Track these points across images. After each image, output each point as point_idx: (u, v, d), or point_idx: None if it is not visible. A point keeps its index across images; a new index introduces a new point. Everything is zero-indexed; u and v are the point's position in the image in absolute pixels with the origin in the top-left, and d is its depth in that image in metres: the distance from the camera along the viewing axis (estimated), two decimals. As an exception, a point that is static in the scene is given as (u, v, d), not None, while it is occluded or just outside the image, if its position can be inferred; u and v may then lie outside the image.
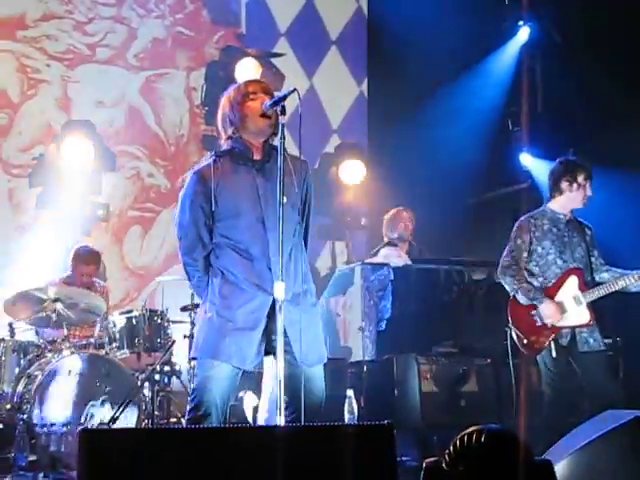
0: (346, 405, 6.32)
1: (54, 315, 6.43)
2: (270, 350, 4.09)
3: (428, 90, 9.43)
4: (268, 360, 4.21)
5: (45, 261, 8.64)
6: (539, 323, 5.65)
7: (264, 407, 5.09)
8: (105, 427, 5.75)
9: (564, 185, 5.77)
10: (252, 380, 5.96)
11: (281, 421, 3.74)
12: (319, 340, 4.26)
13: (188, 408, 4.17)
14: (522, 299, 5.71)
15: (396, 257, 7.78)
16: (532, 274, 5.74)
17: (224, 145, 4.34)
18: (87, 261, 7.42)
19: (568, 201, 5.79)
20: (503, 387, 6.72)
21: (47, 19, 9.15)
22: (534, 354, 5.68)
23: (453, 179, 9.18)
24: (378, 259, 7.92)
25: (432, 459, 2.87)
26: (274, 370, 4.02)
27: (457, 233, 9.09)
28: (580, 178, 5.73)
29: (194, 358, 4.27)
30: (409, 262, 7.71)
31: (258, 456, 2.82)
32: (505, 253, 5.84)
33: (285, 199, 3.97)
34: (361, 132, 10.41)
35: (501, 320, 5.94)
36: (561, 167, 5.85)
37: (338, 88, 10.44)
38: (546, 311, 5.60)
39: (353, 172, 9.57)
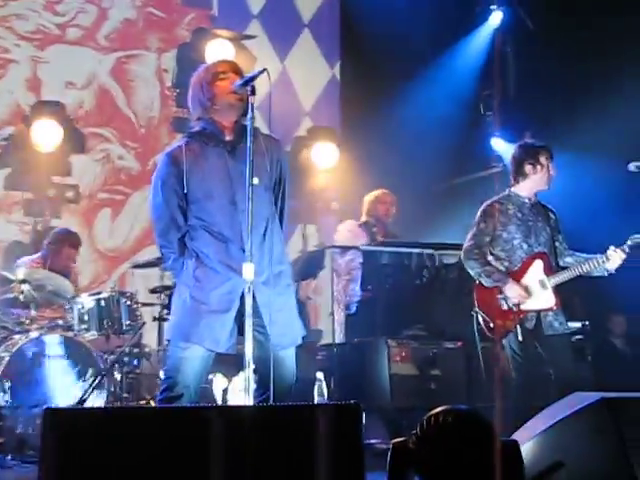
0: (316, 388, 6.34)
1: (21, 296, 6.38)
2: (242, 332, 4.06)
3: (401, 74, 9.42)
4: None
5: (14, 243, 8.59)
6: (504, 307, 5.66)
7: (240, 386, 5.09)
8: (72, 408, 5.71)
9: (527, 168, 5.77)
10: (222, 362, 5.94)
11: (250, 402, 3.74)
12: (293, 322, 4.25)
13: (160, 389, 4.17)
14: (486, 282, 5.72)
15: (354, 236, 7.80)
16: (498, 258, 5.75)
17: (195, 126, 4.31)
18: (74, 243, 7.43)
19: (533, 184, 5.79)
20: (473, 370, 6.76)
21: (17, -2, 9.06)
22: (500, 338, 5.70)
23: (425, 163, 9.19)
24: (340, 234, 7.93)
25: (399, 439, 2.87)
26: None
27: (429, 217, 9.12)
28: (542, 159, 5.75)
29: (168, 340, 4.27)
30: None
31: (226, 435, 2.81)
32: (468, 237, 5.84)
33: (257, 180, 3.96)
34: (333, 115, 10.38)
35: (471, 303, 5.95)
36: (522, 151, 5.85)
37: (310, 71, 10.40)
38: (510, 292, 5.61)
39: (325, 155, 9.54)
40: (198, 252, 4.15)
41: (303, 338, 4.35)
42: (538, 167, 5.74)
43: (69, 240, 7.41)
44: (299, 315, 4.37)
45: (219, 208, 4.13)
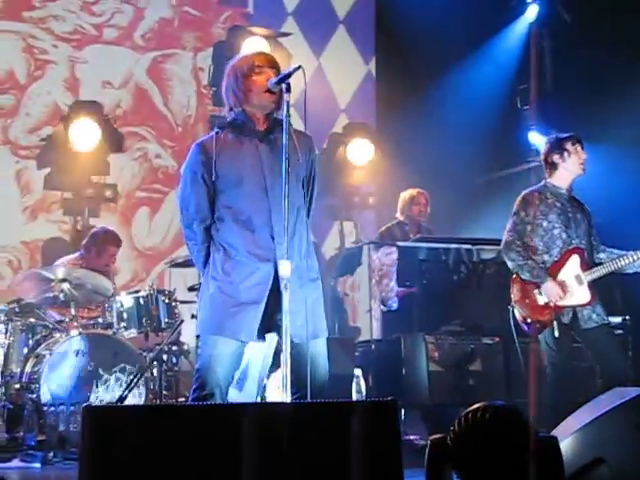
0: (354, 384, 6.34)
1: (61, 295, 6.44)
2: (273, 328, 4.04)
3: (436, 69, 9.39)
4: (268, 338, 4.16)
5: (53, 242, 8.67)
6: (541, 302, 5.62)
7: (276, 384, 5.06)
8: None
9: (555, 158, 5.75)
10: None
11: (287, 399, 3.72)
12: (319, 315, 4.18)
13: (192, 388, 4.15)
14: (525, 275, 5.67)
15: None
16: (536, 250, 5.70)
17: (227, 116, 4.31)
18: (117, 243, 7.48)
19: (566, 172, 5.75)
20: (511, 366, 6.72)
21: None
22: (537, 332, 5.66)
23: (462, 158, 9.15)
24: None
25: (437, 436, 2.87)
26: (260, 345, 4.01)
27: (466, 212, 9.07)
28: (567, 145, 5.71)
29: (198, 335, 4.23)
30: None
31: (262, 432, 2.82)
32: (508, 228, 5.79)
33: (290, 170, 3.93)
34: (369, 111, 10.37)
35: (509, 299, 5.91)
36: (547, 145, 5.86)
37: (346, 68, 10.39)
38: (549, 291, 5.57)
39: (361, 152, 9.55)
40: (225, 245, 4.11)
41: (339, 334, 4.33)
42: (565, 154, 5.71)
43: (110, 240, 7.45)
44: (336, 311, 4.35)
45: (249, 195, 4.09)
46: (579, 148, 5.73)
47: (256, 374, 4.05)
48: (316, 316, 4.16)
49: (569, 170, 5.74)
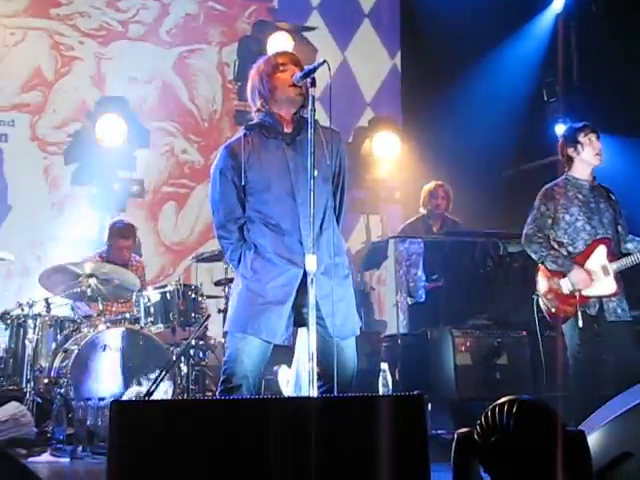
0: (380, 379, 6.34)
1: (89, 290, 6.49)
2: (302, 322, 4.08)
3: (462, 62, 9.35)
4: (302, 332, 4.20)
5: (81, 237, 8.73)
6: (566, 292, 5.59)
7: (292, 379, 5.10)
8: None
9: (570, 151, 5.74)
10: (286, 354, 5.97)
11: (313, 394, 3.74)
12: (352, 312, 4.24)
13: (220, 380, 4.18)
14: (550, 266, 5.65)
15: None
16: (561, 244, 5.68)
17: (254, 118, 4.32)
18: (125, 235, 7.46)
19: (582, 163, 5.73)
20: (538, 360, 6.69)
21: (80, -4, 9.19)
22: (561, 323, 5.64)
23: (488, 151, 9.12)
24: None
25: (464, 430, 2.86)
26: (304, 343, 4.03)
27: (492, 205, 9.04)
28: (580, 137, 5.70)
29: (226, 331, 4.29)
30: None
31: (290, 426, 2.82)
32: (529, 221, 5.78)
33: (316, 172, 3.94)
34: (395, 105, 10.34)
35: (535, 291, 5.89)
36: (562, 138, 5.90)
37: (371, 61, 10.37)
38: (575, 278, 5.53)
39: (387, 146, 9.54)
40: (256, 244, 4.16)
41: (366, 329, 4.35)
42: (579, 146, 5.70)
43: (119, 232, 7.46)
44: (362, 306, 4.38)
45: (277, 200, 4.13)
46: (593, 138, 5.70)
47: (305, 372, 4.06)
48: (352, 313, 4.24)
49: (585, 162, 5.73)
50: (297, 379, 4.32)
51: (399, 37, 10.51)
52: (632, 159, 6.37)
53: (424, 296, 7.59)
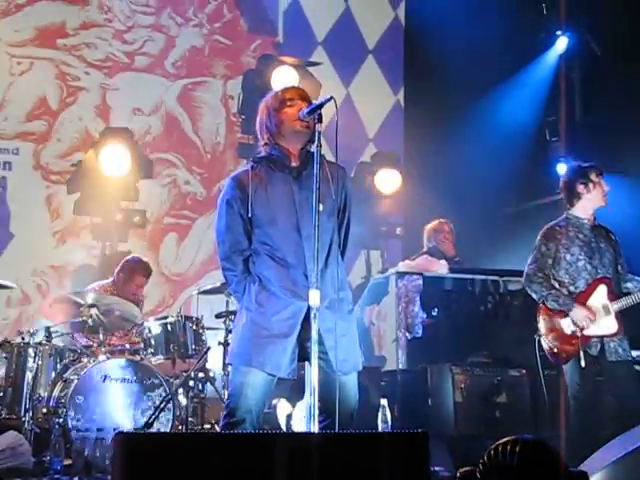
0: (380, 414, 6.31)
1: (90, 320, 6.47)
2: (306, 356, 4.06)
3: (464, 100, 9.41)
4: (307, 368, 4.19)
5: (82, 266, 8.74)
6: (568, 331, 5.59)
7: (302, 416, 5.08)
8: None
9: (580, 188, 5.75)
10: (285, 387, 5.97)
11: (314, 428, 3.73)
12: (355, 347, 4.25)
13: (223, 414, 4.17)
14: (551, 305, 5.65)
15: (435, 265, 7.75)
16: (562, 283, 5.69)
17: (262, 152, 4.35)
18: (146, 273, 7.50)
19: (589, 203, 5.75)
20: (538, 398, 6.68)
21: (87, 27, 9.26)
22: (562, 363, 5.63)
23: (490, 189, 9.15)
24: (414, 265, 7.90)
25: (466, 469, 2.85)
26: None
27: (493, 243, 9.05)
28: (592, 176, 5.72)
29: (230, 364, 4.28)
30: (446, 271, 7.68)
31: (292, 462, 2.82)
32: (529, 262, 5.80)
33: (321, 207, 3.96)
34: (397, 141, 10.39)
35: (536, 331, 5.89)
36: (571, 173, 5.90)
37: (374, 97, 10.43)
38: (578, 315, 5.54)
39: (389, 181, 9.58)
40: (261, 276, 4.16)
41: (365, 364, 4.35)
42: (590, 185, 5.72)
43: (141, 269, 7.49)
44: (362, 341, 4.38)
45: (283, 234, 4.15)
46: (602, 181, 5.74)
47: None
48: (355, 349, 4.23)
49: (592, 201, 5.75)
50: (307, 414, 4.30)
51: (402, 73, 10.58)
52: (634, 198, 6.39)
53: (421, 331, 7.58)
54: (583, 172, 5.78)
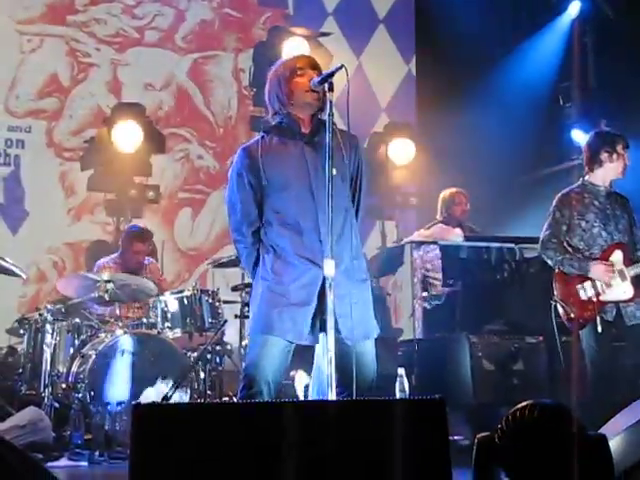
0: (397, 384, 6.32)
1: (106, 295, 6.48)
2: (323, 327, 4.05)
3: (477, 68, 9.35)
4: (320, 337, 4.17)
5: (97, 243, 8.76)
6: (584, 297, 5.57)
7: (313, 386, 5.08)
8: (158, 405, 5.78)
9: (604, 156, 5.70)
10: (303, 358, 5.97)
11: (332, 398, 3.72)
12: (368, 315, 4.19)
13: (240, 386, 4.14)
14: (568, 270, 5.63)
15: (450, 233, 7.72)
16: (577, 249, 5.66)
17: (271, 120, 4.32)
18: (142, 238, 7.46)
19: (608, 172, 5.71)
20: (555, 365, 6.67)
21: (96, 3, 9.26)
22: (579, 328, 5.61)
23: (504, 156, 9.11)
24: (429, 234, 7.88)
25: (484, 434, 2.86)
26: (323, 347, 4.00)
27: (509, 211, 9.03)
28: (619, 147, 5.67)
29: (247, 335, 4.27)
30: (461, 239, 7.65)
31: (308, 430, 2.82)
32: (544, 228, 5.77)
33: (335, 171, 3.93)
34: (410, 111, 10.36)
35: (553, 298, 5.88)
36: (598, 139, 5.78)
37: (386, 67, 10.39)
38: (597, 272, 5.50)
39: (402, 151, 9.53)
40: (274, 246, 4.12)
41: (382, 334, 4.33)
42: (614, 155, 5.67)
43: (137, 236, 7.47)
44: (378, 311, 4.34)
45: (296, 198, 4.11)
46: (626, 154, 5.70)
47: (323, 376, 4.03)
48: (368, 317, 4.18)
49: (612, 171, 5.71)
50: (317, 386, 4.29)
51: (414, 43, 10.53)
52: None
53: (442, 299, 7.55)
54: (611, 140, 5.71)
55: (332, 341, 3.76)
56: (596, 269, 5.52)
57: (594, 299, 5.53)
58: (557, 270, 5.72)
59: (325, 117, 3.97)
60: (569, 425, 2.75)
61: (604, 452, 2.88)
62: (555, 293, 5.75)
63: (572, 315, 5.61)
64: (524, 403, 2.81)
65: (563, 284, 5.70)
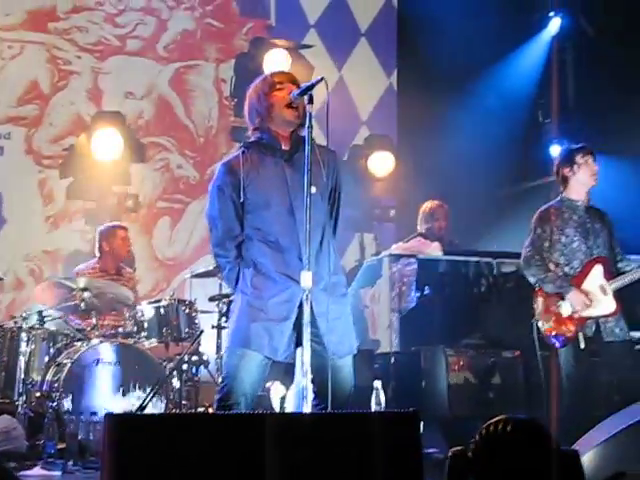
0: (373, 397, 6.32)
1: (82, 304, 6.47)
2: (301, 341, 4.05)
3: (457, 82, 9.39)
4: (298, 351, 4.19)
5: (75, 251, 8.73)
6: (565, 314, 5.60)
7: (292, 399, 5.09)
8: (133, 415, 5.76)
9: (565, 171, 5.80)
10: (279, 370, 5.97)
11: (308, 410, 3.73)
12: (349, 331, 4.23)
13: (217, 397, 4.15)
14: (548, 288, 5.66)
15: (428, 247, 7.74)
16: (557, 264, 5.70)
17: (251, 136, 4.32)
18: (121, 227, 7.50)
19: (578, 184, 5.78)
20: (531, 379, 6.69)
21: (78, 11, 9.22)
22: (561, 345, 5.64)
23: (483, 171, 9.14)
24: (408, 247, 7.89)
25: (458, 448, 2.86)
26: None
27: (486, 225, 9.06)
28: (577, 158, 5.74)
29: (226, 347, 4.27)
30: (440, 253, 7.67)
31: (283, 442, 2.82)
32: (526, 244, 5.81)
33: (314, 189, 3.95)
34: (390, 124, 10.36)
35: (530, 312, 5.90)
36: (558, 158, 5.96)
37: (367, 80, 10.39)
38: (574, 300, 5.55)
39: (382, 164, 9.55)
40: (255, 262, 4.14)
41: (359, 347, 4.35)
42: (575, 167, 5.75)
43: (115, 227, 7.53)
44: (355, 324, 4.37)
45: (276, 216, 4.13)
46: (590, 160, 5.74)
47: (299, 388, 4.04)
48: (350, 331, 4.22)
49: (580, 182, 5.77)
50: (297, 399, 4.31)
51: (395, 56, 10.54)
52: (625, 179, 6.39)
53: (409, 315, 7.55)
54: (567, 155, 5.84)
55: (308, 353, 3.77)
56: (574, 296, 5.56)
57: (576, 315, 5.57)
58: (537, 287, 5.76)
59: (304, 133, 3.98)
60: (542, 440, 2.76)
61: (576, 468, 2.89)
62: (535, 310, 5.77)
63: (553, 332, 5.64)
64: (497, 418, 2.81)
65: (543, 301, 5.73)
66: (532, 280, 5.79)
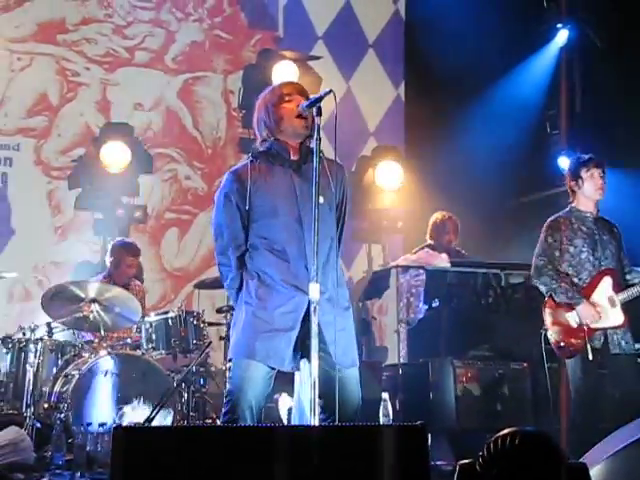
0: (381, 408, 6.31)
1: (91, 316, 6.46)
2: (304, 353, 4.05)
3: (465, 93, 9.39)
4: (301, 364, 4.17)
5: (83, 262, 8.74)
6: (574, 325, 5.60)
7: (294, 411, 5.06)
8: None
9: (572, 184, 5.82)
10: (287, 381, 5.96)
11: (315, 422, 3.71)
12: (352, 343, 4.21)
13: (223, 410, 4.13)
14: (560, 298, 5.65)
15: (436, 259, 7.73)
16: (566, 275, 5.70)
17: (260, 147, 4.32)
18: (133, 252, 7.49)
19: (584, 197, 5.79)
20: (539, 391, 6.68)
21: (87, 23, 9.26)
22: (569, 357, 5.63)
23: (491, 182, 9.13)
24: (415, 259, 7.88)
25: (466, 461, 2.85)
26: (306, 373, 4.00)
27: (495, 236, 9.05)
28: (583, 172, 5.75)
29: (230, 359, 4.24)
30: (448, 264, 7.66)
31: (291, 454, 2.82)
32: (537, 253, 5.81)
33: (322, 199, 3.95)
34: (398, 135, 10.37)
35: (538, 324, 5.89)
36: (566, 172, 5.94)
37: (375, 91, 10.41)
38: (584, 312, 5.55)
39: (390, 175, 9.54)
40: (259, 272, 4.12)
41: (366, 358, 4.34)
42: (580, 181, 5.77)
43: (128, 250, 7.48)
44: (363, 334, 4.37)
45: (284, 225, 4.12)
46: (595, 174, 5.74)
47: (307, 402, 4.01)
48: (353, 344, 4.21)
49: (587, 195, 5.79)
50: (297, 411, 4.29)
51: (403, 67, 10.56)
52: (634, 190, 6.38)
53: (418, 326, 7.54)
54: (574, 169, 5.84)
55: (316, 364, 3.76)
56: (584, 309, 5.55)
57: (585, 326, 5.56)
58: (547, 298, 5.75)
59: (313, 144, 3.98)
60: (550, 453, 2.75)
61: (585, 481, 2.88)
62: (545, 320, 5.77)
63: (562, 343, 5.63)
64: (505, 430, 2.80)
65: (553, 312, 5.72)
66: (543, 289, 5.78)
